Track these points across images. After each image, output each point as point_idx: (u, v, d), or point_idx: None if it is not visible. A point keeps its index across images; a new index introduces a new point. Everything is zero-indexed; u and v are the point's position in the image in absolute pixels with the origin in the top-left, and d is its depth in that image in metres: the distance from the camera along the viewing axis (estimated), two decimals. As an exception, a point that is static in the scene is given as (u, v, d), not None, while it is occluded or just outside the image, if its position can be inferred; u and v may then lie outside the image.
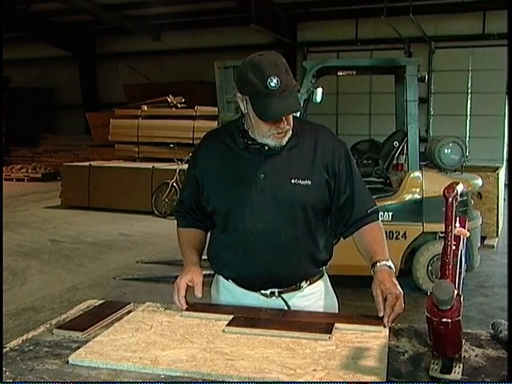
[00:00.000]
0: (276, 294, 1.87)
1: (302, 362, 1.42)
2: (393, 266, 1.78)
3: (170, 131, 11.22)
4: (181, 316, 1.76)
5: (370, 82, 13.86)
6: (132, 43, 16.80)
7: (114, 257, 6.84)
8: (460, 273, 1.47)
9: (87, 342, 1.56)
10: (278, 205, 1.79)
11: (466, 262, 1.63)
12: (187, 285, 1.80)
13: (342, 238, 1.99)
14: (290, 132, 1.78)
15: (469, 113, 14.07)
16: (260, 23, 12.65)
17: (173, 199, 9.25)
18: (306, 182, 1.79)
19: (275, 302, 1.87)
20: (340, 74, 5.98)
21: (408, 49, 14.12)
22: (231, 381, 1.35)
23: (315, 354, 1.46)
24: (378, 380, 1.32)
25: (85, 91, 17.85)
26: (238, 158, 1.83)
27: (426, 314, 1.33)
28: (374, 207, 1.91)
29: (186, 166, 9.65)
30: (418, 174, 5.15)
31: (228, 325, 1.65)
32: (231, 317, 1.71)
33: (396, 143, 5.57)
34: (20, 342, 1.59)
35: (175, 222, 2.05)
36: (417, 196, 5.11)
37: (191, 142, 10.49)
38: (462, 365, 1.37)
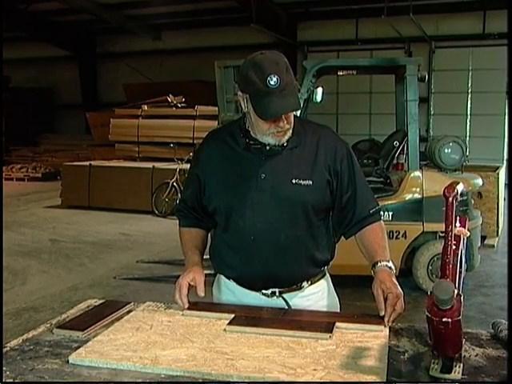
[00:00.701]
0: (277, 293, 1.87)
1: (303, 361, 1.42)
2: (393, 267, 1.79)
3: (170, 131, 11.22)
4: (182, 315, 1.76)
5: (370, 81, 13.86)
6: (132, 43, 16.81)
7: (114, 256, 6.84)
8: (460, 272, 1.47)
9: (87, 341, 1.56)
10: (279, 205, 1.79)
11: (466, 262, 1.63)
12: (189, 284, 1.81)
13: (342, 238, 1.99)
14: (290, 131, 1.78)
15: (469, 112, 14.08)
16: (260, 23, 12.66)
17: (173, 199, 9.27)
18: (307, 182, 1.79)
19: (276, 302, 1.86)
20: (340, 73, 5.99)
21: (408, 48, 14.13)
22: (231, 380, 1.35)
23: (315, 353, 1.46)
24: (378, 380, 1.32)
25: (85, 91, 17.86)
26: (239, 157, 1.83)
27: (426, 313, 1.33)
28: (377, 207, 1.91)
29: (186, 166, 9.62)
30: (418, 173, 5.15)
31: (229, 324, 1.65)
32: (232, 316, 1.71)
33: (396, 143, 5.57)
34: (20, 341, 1.59)
35: (176, 221, 2.05)
36: (417, 196, 5.11)
37: (191, 141, 10.49)
38: (462, 364, 1.37)
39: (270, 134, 1.75)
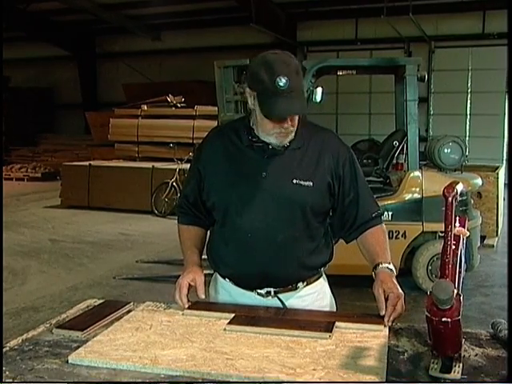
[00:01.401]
0: (272, 293, 1.86)
1: (302, 361, 1.42)
2: (394, 269, 1.80)
3: (169, 131, 11.22)
4: (182, 314, 1.76)
5: (369, 81, 13.86)
6: (132, 43, 16.81)
7: (114, 256, 6.84)
8: (460, 272, 1.47)
9: (87, 341, 1.56)
10: (278, 204, 1.79)
11: (465, 262, 1.63)
12: (189, 284, 1.81)
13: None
14: (294, 133, 1.78)
15: (468, 112, 14.08)
16: (260, 23, 12.66)
17: (172, 198, 9.26)
18: (308, 183, 1.79)
19: (271, 302, 1.86)
20: (340, 73, 5.99)
21: (408, 48, 14.13)
22: (231, 380, 1.35)
23: (315, 353, 1.46)
24: (377, 380, 1.32)
25: (84, 91, 17.86)
26: (241, 155, 1.83)
27: (426, 313, 1.33)
28: (379, 211, 1.91)
29: (185, 166, 9.60)
30: (417, 173, 5.15)
31: (229, 323, 1.65)
32: (232, 316, 1.71)
33: (396, 143, 5.57)
34: (20, 341, 1.59)
35: (175, 220, 2.04)
36: (417, 195, 5.12)
37: (191, 141, 10.49)
38: (461, 364, 1.37)
39: (273, 134, 1.76)
